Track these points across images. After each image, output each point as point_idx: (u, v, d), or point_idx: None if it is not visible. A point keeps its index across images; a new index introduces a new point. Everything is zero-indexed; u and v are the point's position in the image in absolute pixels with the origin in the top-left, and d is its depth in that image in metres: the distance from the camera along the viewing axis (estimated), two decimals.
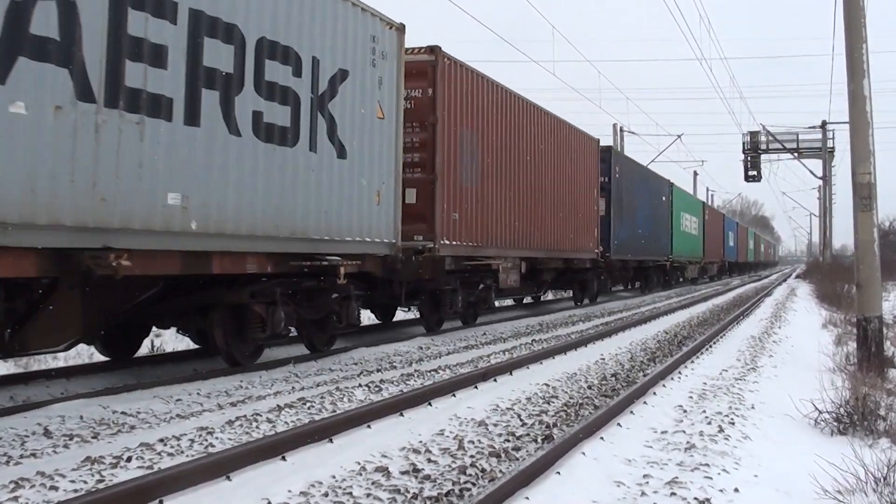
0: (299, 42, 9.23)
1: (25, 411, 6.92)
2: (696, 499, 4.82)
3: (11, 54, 5.98)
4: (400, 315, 17.13)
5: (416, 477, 5.17)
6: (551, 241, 18.74)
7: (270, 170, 8.85)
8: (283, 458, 5.51)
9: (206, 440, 6.04)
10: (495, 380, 9.05)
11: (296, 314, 9.87)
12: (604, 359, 11.03)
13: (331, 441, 6.02)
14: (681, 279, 40.26)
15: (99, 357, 10.87)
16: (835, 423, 6.96)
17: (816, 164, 45.98)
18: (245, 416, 6.86)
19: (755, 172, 47.32)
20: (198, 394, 8.01)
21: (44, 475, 5.03)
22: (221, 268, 8.40)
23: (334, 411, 7.15)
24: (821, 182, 47.64)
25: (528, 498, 4.71)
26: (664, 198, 33.58)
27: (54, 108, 6.30)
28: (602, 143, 24.43)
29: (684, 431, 6.54)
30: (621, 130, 40.83)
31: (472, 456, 5.70)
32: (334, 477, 5.11)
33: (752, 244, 78.72)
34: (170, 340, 12.28)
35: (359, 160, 10.55)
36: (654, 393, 8.29)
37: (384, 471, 5.26)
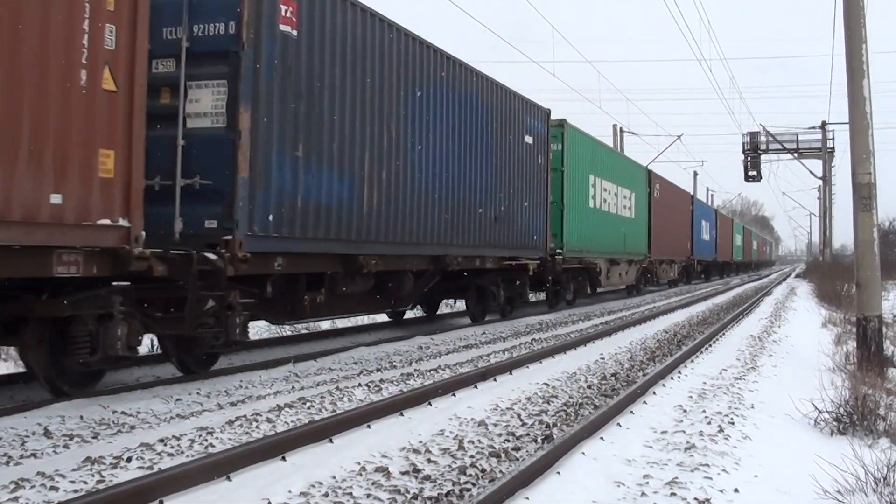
0: None
1: (25, 411, 6.92)
2: (696, 499, 4.83)
3: None
4: None
5: (416, 477, 5.17)
6: None
7: None
8: (283, 459, 5.51)
9: (206, 440, 6.04)
10: (495, 379, 9.06)
11: None
12: (603, 358, 11.04)
13: (331, 441, 6.02)
14: (590, 289, 23.35)
15: None
16: (835, 423, 6.97)
17: (816, 165, 46.05)
18: (245, 415, 6.86)
19: (755, 172, 47.37)
20: (198, 393, 8.02)
21: (44, 475, 5.03)
22: None
23: (334, 411, 7.15)
24: (821, 182, 47.67)
25: (528, 498, 4.72)
26: (529, 138, 16.60)
27: None
28: None
29: (684, 431, 6.54)
30: (621, 131, 40.82)
31: (472, 456, 5.70)
32: (334, 477, 5.11)
33: (739, 240, 64.05)
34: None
35: None
36: (654, 392, 8.29)
37: (384, 471, 5.26)
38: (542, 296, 21.35)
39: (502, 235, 15.35)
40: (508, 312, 17.43)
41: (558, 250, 18.62)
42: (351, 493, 4.81)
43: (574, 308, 21.17)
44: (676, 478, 5.20)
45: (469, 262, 14.22)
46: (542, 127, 17.50)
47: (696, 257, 40.08)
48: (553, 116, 18.73)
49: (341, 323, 14.75)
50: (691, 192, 48.39)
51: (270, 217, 8.92)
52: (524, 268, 16.81)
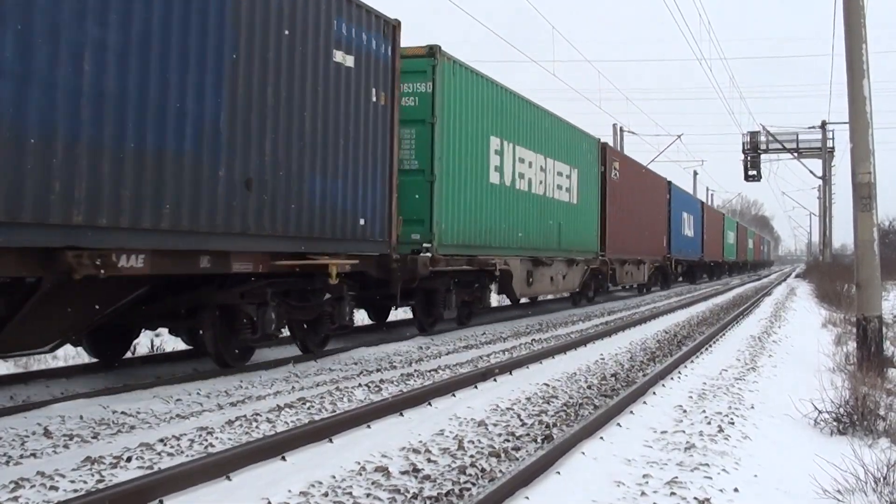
0: None
1: (25, 411, 6.92)
2: (695, 499, 4.83)
3: None
4: None
5: (415, 477, 5.17)
6: None
7: None
8: (283, 458, 5.52)
9: (206, 440, 6.04)
10: (495, 379, 9.06)
11: None
12: (603, 358, 11.04)
13: (331, 441, 6.02)
14: (506, 299, 19.10)
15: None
16: (834, 423, 6.97)
17: (816, 164, 46.11)
18: (245, 416, 6.86)
19: (755, 172, 47.43)
20: (197, 394, 8.02)
21: (44, 475, 5.03)
22: None
23: (334, 411, 7.15)
24: (821, 182, 47.70)
25: (527, 498, 4.72)
26: (345, 58, 9.95)
27: None
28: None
29: (684, 431, 6.55)
30: (621, 130, 40.82)
31: (471, 456, 5.71)
32: (334, 477, 5.11)
33: (732, 237, 57.02)
34: (169, 340, 12.22)
35: None
36: (654, 393, 8.30)
37: (384, 471, 5.27)
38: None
39: (270, 215, 8.79)
40: (317, 345, 10.88)
41: (425, 244, 12.45)
42: (351, 493, 4.81)
43: (467, 329, 14.97)
44: (676, 477, 5.20)
45: (177, 264, 7.86)
46: (379, 45, 10.73)
47: (674, 256, 33.42)
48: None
49: None
50: (695, 194, 47.90)
51: None
52: (323, 271, 9.76)
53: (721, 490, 5.00)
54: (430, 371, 9.72)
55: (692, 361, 10.86)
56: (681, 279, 40.14)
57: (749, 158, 47.14)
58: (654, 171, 31.88)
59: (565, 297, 23.15)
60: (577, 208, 19.93)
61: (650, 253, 28.80)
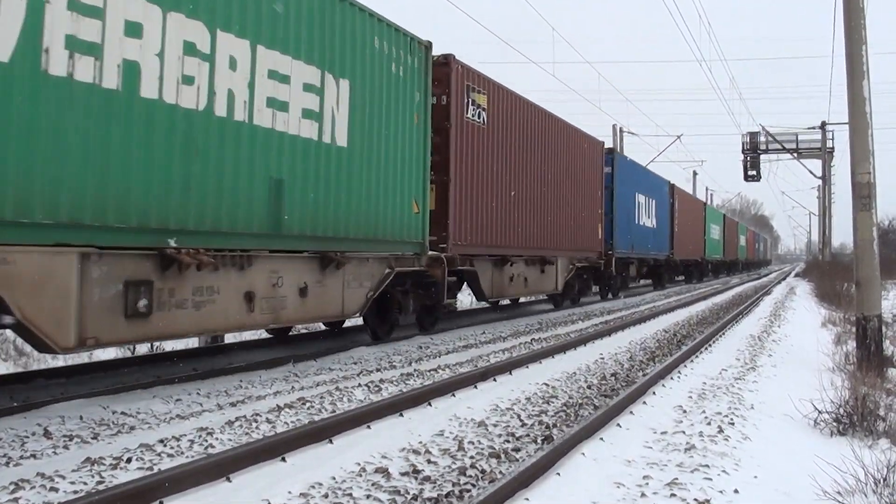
0: None
1: (25, 411, 6.92)
2: (695, 500, 4.83)
3: None
4: None
5: (415, 478, 5.17)
6: None
7: None
8: (283, 459, 5.52)
9: (206, 441, 6.04)
10: (495, 379, 9.06)
11: None
12: (603, 358, 11.04)
13: (330, 442, 6.02)
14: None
15: (98, 357, 10.88)
16: (834, 424, 6.97)
17: (816, 165, 46.14)
18: (245, 416, 6.86)
19: (755, 172, 47.50)
20: (197, 394, 8.01)
21: (44, 476, 5.03)
22: None
23: (334, 411, 7.15)
24: (820, 182, 47.72)
25: (527, 499, 4.72)
26: None
27: None
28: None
29: (684, 432, 6.55)
30: (621, 131, 40.79)
31: (471, 457, 5.71)
32: (334, 478, 5.11)
33: (717, 232, 48.07)
34: (169, 340, 11.90)
35: None
36: (654, 393, 8.30)
37: (384, 472, 5.27)
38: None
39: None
40: None
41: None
42: (351, 494, 4.81)
43: None
44: (676, 478, 5.20)
45: None
46: None
47: (618, 253, 24.14)
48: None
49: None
50: (695, 194, 47.21)
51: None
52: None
53: (721, 491, 5.01)
54: (429, 371, 9.72)
55: (692, 361, 10.86)
56: (635, 284, 31.36)
57: (749, 158, 47.22)
58: (576, 126, 20.09)
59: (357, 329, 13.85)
60: (345, 155, 10.07)
61: (570, 248, 19.57)
